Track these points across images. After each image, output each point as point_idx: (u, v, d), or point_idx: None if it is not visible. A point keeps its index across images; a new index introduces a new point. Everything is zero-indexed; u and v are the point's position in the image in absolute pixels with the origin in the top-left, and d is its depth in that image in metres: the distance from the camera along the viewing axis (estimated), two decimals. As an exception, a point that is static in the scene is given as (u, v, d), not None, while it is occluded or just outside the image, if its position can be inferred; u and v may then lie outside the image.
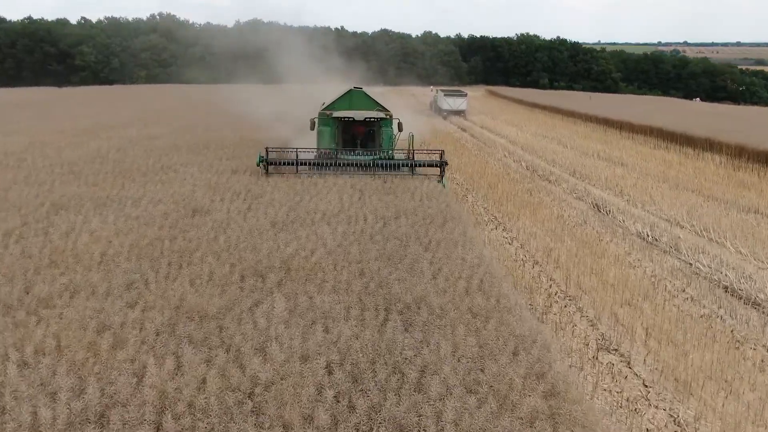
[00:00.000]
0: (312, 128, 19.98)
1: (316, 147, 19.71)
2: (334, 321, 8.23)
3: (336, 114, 19.85)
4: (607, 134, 39.46)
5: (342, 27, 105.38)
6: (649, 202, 20.84)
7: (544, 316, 11.44)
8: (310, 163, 18.54)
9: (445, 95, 50.88)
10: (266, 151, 18.19)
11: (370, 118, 19.73)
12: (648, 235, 17.03)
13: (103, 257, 10.56)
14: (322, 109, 20.21)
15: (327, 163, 18.50)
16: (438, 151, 19.10)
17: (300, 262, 10.45)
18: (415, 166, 18.79)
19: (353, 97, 20.65)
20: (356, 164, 18.48)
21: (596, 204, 20.69)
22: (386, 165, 18.57)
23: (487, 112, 55.23)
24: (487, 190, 22.39)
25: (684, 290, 12.99)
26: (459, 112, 49.69)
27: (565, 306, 12.14)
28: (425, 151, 20.65)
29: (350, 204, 14.60)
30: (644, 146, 34.26)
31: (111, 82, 76.93)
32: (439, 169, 18.59)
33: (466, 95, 51.98)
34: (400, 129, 20.14)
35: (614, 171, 26.43)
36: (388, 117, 20.07)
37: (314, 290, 9.31)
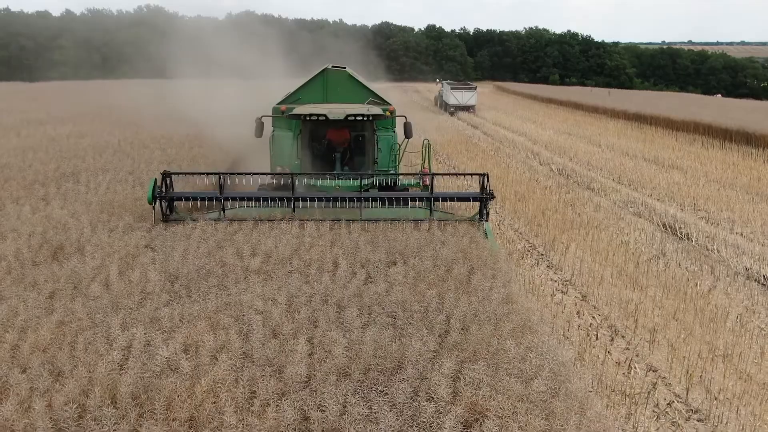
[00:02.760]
0: (258, 134, 12.01)
1: (270, 169, 12.22)
2: None
3: (299, 110, 11.48)
4: (643, 132, 33.76)
5: (341, 20, 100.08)
6: (739, 222, 15.24)
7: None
8: (249, 198, 10.47)
9: (452, 89, 45.18)
10: (163, 177, 10.11)
11: (357, 115, 11.35)
12: (766, 277, 11.44)
13: None
14: (279, 103, 12.50)
15: (280, 198, 10.42)
16: (477, 174, 10.67)
17: (179, 389, 4.92)
18: (437, 199, 10.78)
19: (330, 82, 12.75)
20: (332, 197, 10.41)
21: (667, 224, 15.07)
22: (385, 198, 10.59)
23: (499, 108, 49.59)
24: (516, 203, 16.79)
25: None
26: (468, 108, 44.03)
27: (698, 438, 6.57)
28: (454, 174, 12.67)
29: (314, 239, 9.03)
30: (693, 146, 28.58)
31: (92, 77, 71.26)
32: (478, 205, 10.57)
33: (475, 88, 46.29)
34: (408, 134, 12.52)
35: (671, 177, 20.79)
36: (387, 114, 12.18)
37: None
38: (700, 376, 7.73)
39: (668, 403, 7.19)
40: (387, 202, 10.52)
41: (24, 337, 5.89)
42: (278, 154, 12.31)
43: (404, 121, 12.37)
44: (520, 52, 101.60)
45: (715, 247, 13.23)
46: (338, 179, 10.99)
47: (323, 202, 10.35)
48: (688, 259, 12.56)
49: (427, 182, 11.29)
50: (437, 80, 56.88)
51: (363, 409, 4.74)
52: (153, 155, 16.00)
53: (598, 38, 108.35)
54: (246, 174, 11.06)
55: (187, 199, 10.54)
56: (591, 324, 9.33)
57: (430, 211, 10.49)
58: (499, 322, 6.35)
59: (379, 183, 11.36)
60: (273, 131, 12.44)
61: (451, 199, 11.03)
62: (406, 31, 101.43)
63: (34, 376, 5.16)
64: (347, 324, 6.19)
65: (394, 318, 6.44)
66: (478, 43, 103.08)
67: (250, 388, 5.03)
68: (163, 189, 10.06)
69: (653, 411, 7.04)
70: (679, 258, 12.61)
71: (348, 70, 13.22)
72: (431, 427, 4.59)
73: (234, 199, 10.30)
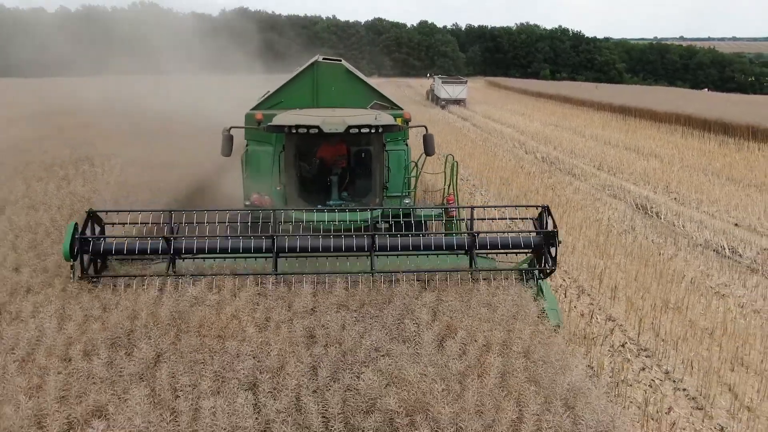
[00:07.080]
0: (226, 152, 8.88)
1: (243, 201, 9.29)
2: None
3: (282, 119, 8.21)
4: (627, 123, 35.02)
5: (333, 16, 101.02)
6: (706, 202, 16.44)
7: (616, 391, 7.05)
8: (207, 250, 7.17)
9: (443, 83, 46.40)
10: (73, 234, 6.78)
11: (362, 126, 7.93)
12: (723, 247, 12.63)
13: None
14: (254, 107, 9.60)
15: (250, 248, 7.14)
16: (536, 208, 7.47)
17: (208, 315, 6.03)
18: (479, 248, 7.22)
19: (321, 79, 9.72)
20: (327, 244, 7.10)
21: (640, 204, 16.27)
22: (405, 244, 7.23)
23: (489, 101, 50.80)
24: (500, 186, 17.96)
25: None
26: (458, 101, 45.27)
27: (644, 370, 7.73)
28: (496, 208, 8.41)
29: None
30: (673, 135, 29.84)
31: (87, 74, 71.92)
32: (532, 256, 7.45)
33: (465, 82, 47.51)
34: (429, 151, 9.54)
35: (649, 164, 22.00)
36: (401, 123, 9.06)
37: None
38: (651, 323, 8.89)
39: (622, 344, 8.35)
40: (406, 247, 7.21)
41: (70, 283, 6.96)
42: (253, 177, 9.29)
43: (424, 132, 9.44)
44: (511, 48, 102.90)
45: (680, 222, 14.43)
46: (335, 212, 7.76)
47: (314, 253, 7.09)
48: (654, 233, 13.74)
49: (453, 214, 9.01)
50: (428, 75, 57.99)
51: (359, 328, 5.85)
52: (158, 144, 17.00)
53: (589, 34, 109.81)
54: (213, 210, 7.96)
55: (122, 252, 7.12)
56: (561, 285, 10.48)
57: (471, 262, 7.17)
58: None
59: (389, 215, 8.38)
60: (246, 146, 9.52)
61: (500, 248, 7.31)
62: (398, 26, 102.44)
63: (86, 307, 6.24)
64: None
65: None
66: (470, 39, 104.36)
67: (266, 314, 6.13)
68: (83, 239, 6.87)
69: (609, 350, 8.19)
70: (646, 232, 13.79)
71: (344, 63, 10.14)
72: (413, 340, 5.70)
73: (187, 251, 7.17)
